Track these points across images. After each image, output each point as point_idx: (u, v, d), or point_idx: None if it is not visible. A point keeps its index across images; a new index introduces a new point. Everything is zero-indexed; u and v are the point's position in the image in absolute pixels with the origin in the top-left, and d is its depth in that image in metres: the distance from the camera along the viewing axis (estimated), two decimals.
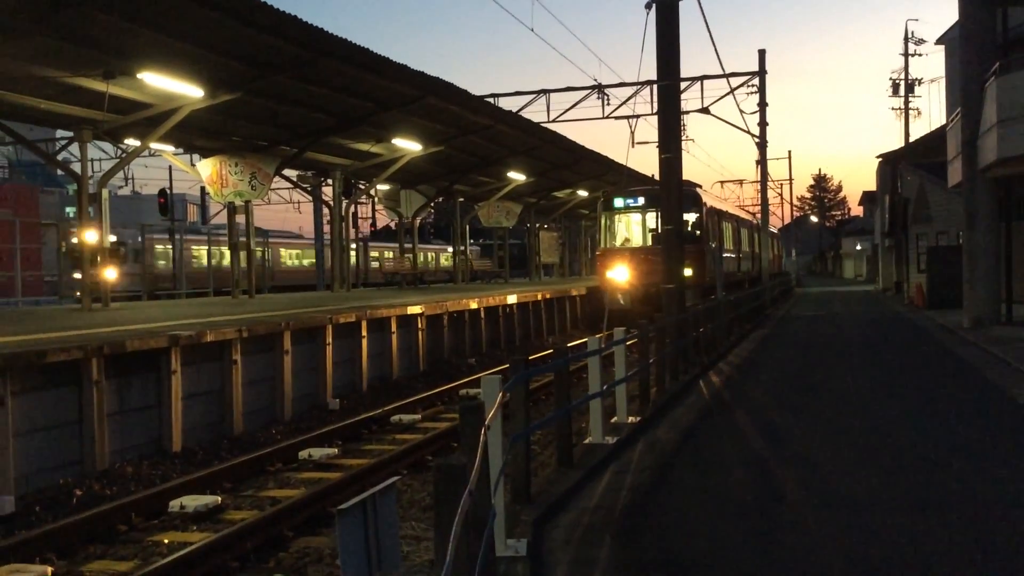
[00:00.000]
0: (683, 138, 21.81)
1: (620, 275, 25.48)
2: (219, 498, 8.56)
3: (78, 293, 20.50)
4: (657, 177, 24.70)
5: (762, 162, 37.42)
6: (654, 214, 24.64)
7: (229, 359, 12.03)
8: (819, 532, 6.32)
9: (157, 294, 31.46)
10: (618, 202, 27.32)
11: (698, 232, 25.44)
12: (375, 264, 43.05)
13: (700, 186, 31.16)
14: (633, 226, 27.86)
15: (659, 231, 23.50)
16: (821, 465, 8.36)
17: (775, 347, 20.44)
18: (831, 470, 8.15)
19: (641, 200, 26.81)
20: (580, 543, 6.34)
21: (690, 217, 24.93)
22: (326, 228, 33.86)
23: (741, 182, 58.42)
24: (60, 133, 28.45)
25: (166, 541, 7.59)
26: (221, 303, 21.79)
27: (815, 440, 9.57)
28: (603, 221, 27.79)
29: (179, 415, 10.89)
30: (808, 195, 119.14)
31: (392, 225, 40.65)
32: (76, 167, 20.45)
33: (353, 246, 34.39)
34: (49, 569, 6.76)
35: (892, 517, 6.57)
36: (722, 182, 56.52)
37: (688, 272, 21.10)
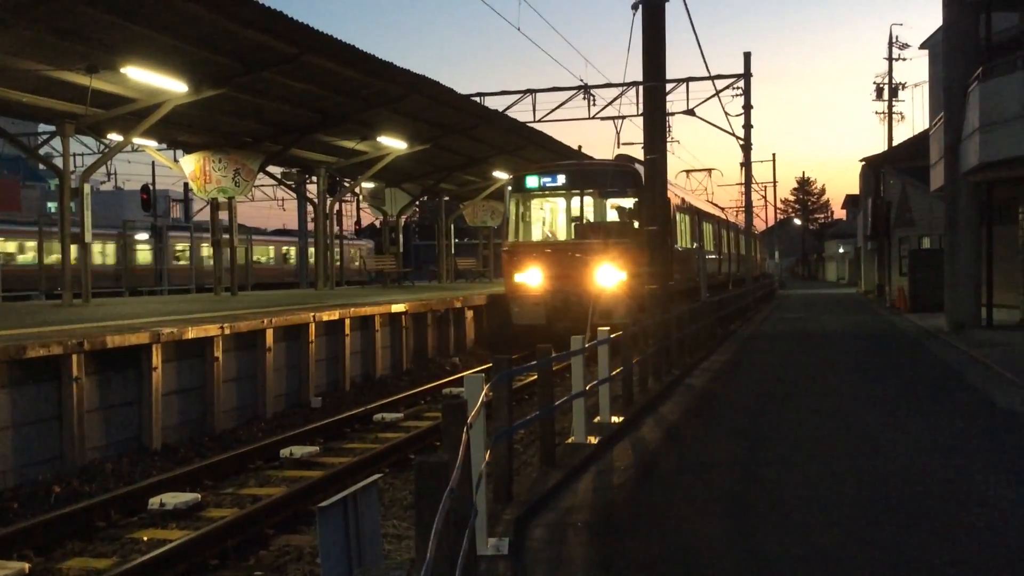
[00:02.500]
0: (668, 139, 21.83)
1: (532, 279, 19.90)
2: (199, 495, 8.51)
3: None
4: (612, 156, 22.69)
5: (746, 164, 37.52)
6: (579, 199, 20.63)
7: (211, 356, 11.96)
8: (800, 529, 6.34)
9: (139, 290, 31.30)
10: (531, 182, 20.88)
11: (636, 222, 19.33)
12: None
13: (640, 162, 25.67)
14: (551, 214, 22.63)
15: (585, 220, 20.42)
16: (799, 463, 8.40)
17: (758, 347, 20.50)
18: (811, 468, 8.19)
19: (562, 179, 20.71)
20: (562, 542, 6.34)
21: (626, 202, 20.57)
22: (310, 226, 33.73)
23: (710, 171, 53.77)
24: (42, 127, 28.27)
25: (145, 538, 7.54)
26: (203, 300, 21.66)
27: (796, 435, 9.63)
28: (512, 207, 21.26)
29: (160, 412, 10.82)
30: (792, 198, 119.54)
31: (377, 223, 40.51)
32: (58, 162, 20.26)
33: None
34: (27, 566, 6.70)
35: (867, 508, 6.61)
36: (688, 171, 51.53)
37: (614, 275, 18.91)
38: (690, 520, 6.77)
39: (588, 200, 20.87)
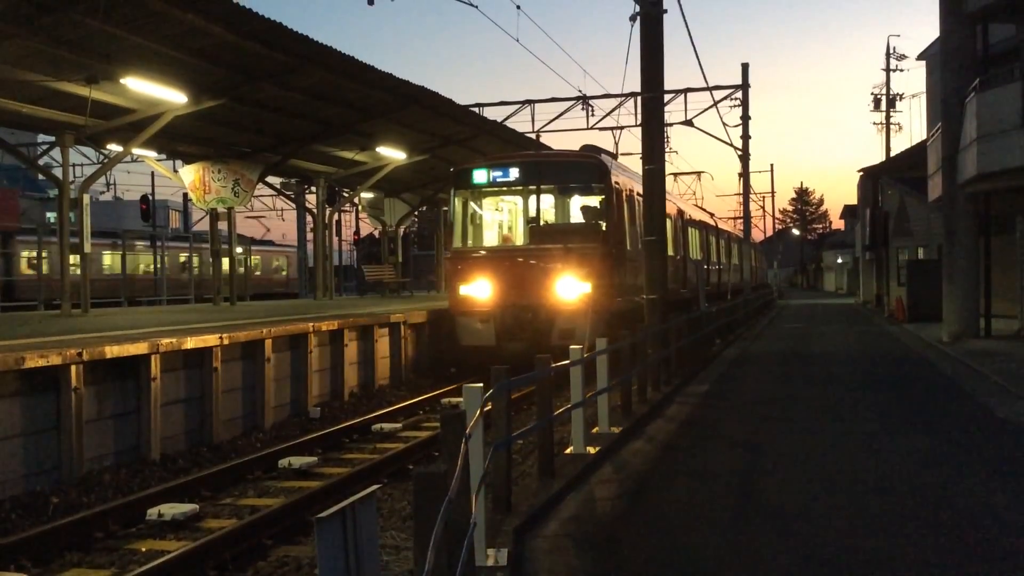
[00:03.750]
0: (667, 150, 21.46)
1: (480, 292, 17.02)
2: (197, 506, 8.50)
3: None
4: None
5: (744, 175, 37.64)
6: (536, 196, 17.68)
7: (210, 366, 11.96)
8: (799, 539, 6.34)
9: (139, 300, 31.25)
10: (479, 176, 17.67)
11: (603, 224, 17.11)
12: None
13: (614, 156, 22.13)
14: (503, 214, 19.79)
15: (543, 222, 17.88)
16: (802, 461, 8.40)
17: (756, 357, 20.47)
18: (812, 468, 8.19)
19: (515, 172, 17.55)
20: (562, 553, 6.33)
21: (590, 201, 17.93)
22: (310, 236, 33.74)
23: (699, 174, 51.07)
24: (42, 138, 28.30)
25: (143, 549, 7.52)
26: (202, 310, 21.66)
27: (794, 445, 9.65)
28: (457, 207, 18.06)
29: (159, 422, 10.81)
30: (790, 208, 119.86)
31: (376, 233, 40.55)
32: (58, 172, 20.28)
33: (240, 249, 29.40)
34: None
35: (865, 519, 6.61)
36: (675, 175, 48.95)
37: (577, 286, 16.41)
38: (690, 531, 6.76)
39: (547, 198, 18.33)
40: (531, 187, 17.64)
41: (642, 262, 16.23)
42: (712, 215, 35.39)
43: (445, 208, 33.83)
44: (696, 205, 36.31)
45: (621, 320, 15.97)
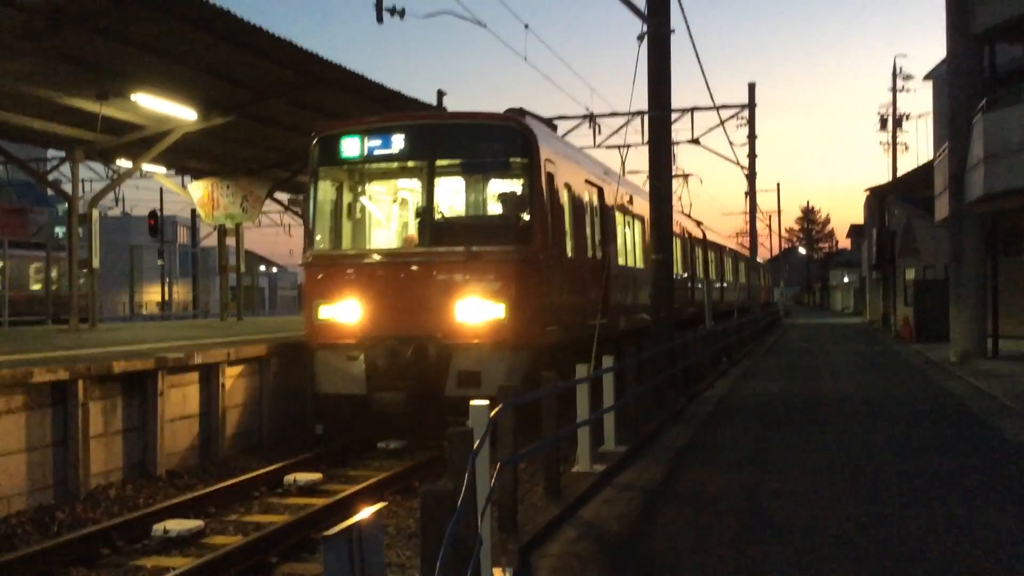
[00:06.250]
0: (674, 169, 20.85)
1: (346, 315, 11.81)
2: (203, 522, 8.49)
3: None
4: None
5: (751, 193, 37.64)
6: (429, 176, 12.19)
7: (216, 381, 11.96)
8: (808, 558, 6.32)
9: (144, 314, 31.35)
10: (349, 147, 12.29)
11: (525, 214, 11.86)
12: None
13: (552, 124, 16.09)
14: (383, 202, 14.02)
15: (439, 215, 12.64)
16: (806, 481, 8.38)
17: (763, 374, 20.39)
18: (818, 494, 8.17)
19: (401, 141, 12.07)
20: (567, 572, 6.31)
21: (510, 184, 12.76)
22: None
23: (686, 177, 40.83)
24: (51, 153, 28.44)
25: (149, 565, 7.52)
26: (209, 326, 21.71)
27: (803, 459, 9.64)
28: (319, 190, 12.66)
29: (165, 438, 10.81)
30: (796, 227, 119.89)
31: None
32: (67, 187, 20.40)
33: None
34: None
35: (872, 531, 6.59)
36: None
37: (488, 309, 11.26)
38: (696, 551, 6.73)
39: (447, 180, 13.27)
40: (422, 161, 12.31)
41: (591, 273, 13.39)
42: (700, 223, 31.30)
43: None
44: (683, 212, 32.16)
45: (555, 359, 11.48)
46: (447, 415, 9.85)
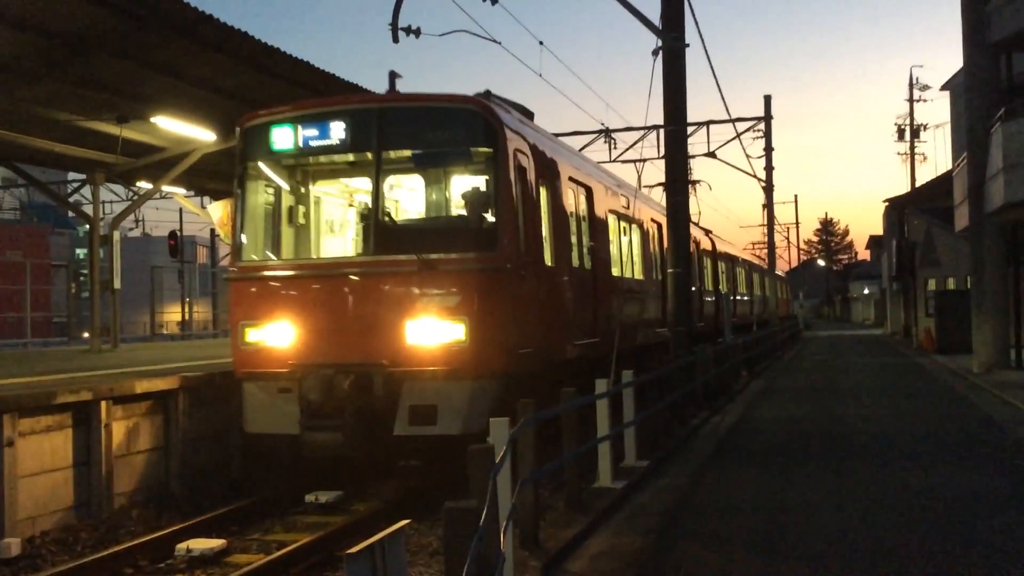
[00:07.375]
0: (691, 182, 20.58)
1: (277, 338, 10.13)
2: (225, 541, 8.52)
3: (86, 334, 20.55)
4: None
5: (768, 206, 37.61)
6: (376, 171, 10.28)
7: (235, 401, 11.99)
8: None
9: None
10: (281, 137, 10.54)
11: (490, 216, 10.12)
12: None
13: (528, 111, 12.63)
14: (324, 204, 12.05)
15: (385, 217, 10.61)
16: (824, 504, 8.32)
17: (782, 392, 20.24)
18: (838, 496, 8.11)
19: (341, 129, 10.28)
20: None
21: (470, 180, 10.89)
22: None
23: (695, 183, 39.42)
24: (72, 175, 28.75)
25: None
26: (228, 344, 21.76)
27: (826, 475, 9.56)
28: (247, 188, 10.89)
29: (185, 457, 10.85)
30: (815, 239, 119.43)
31: None
32: (88, 209, 20.61)
33: None
34: None
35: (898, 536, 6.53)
36: (663, 184, 41.94)
37: (445, 330, 9.51)
38: (721, 567, 6.70)
39: (396, 176, 11.64)
40: (367, 151, 10.40)
41: (577, 286, 11.98)
42: (709, 232, 29.01)
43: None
44: (692, 222, 30.36)
45: (532, 388, 9.26)
46: (397, 458, 8.84)
